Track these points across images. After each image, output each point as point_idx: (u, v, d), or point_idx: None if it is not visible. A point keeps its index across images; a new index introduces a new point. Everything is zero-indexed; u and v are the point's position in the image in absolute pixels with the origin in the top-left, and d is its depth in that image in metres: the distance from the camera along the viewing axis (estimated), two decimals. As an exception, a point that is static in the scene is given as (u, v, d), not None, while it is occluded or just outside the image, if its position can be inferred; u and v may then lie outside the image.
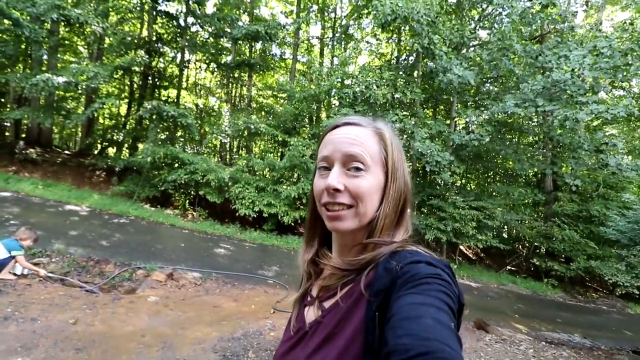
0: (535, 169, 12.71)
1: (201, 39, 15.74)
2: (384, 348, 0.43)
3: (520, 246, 14.57)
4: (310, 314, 0.65)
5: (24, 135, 14.34)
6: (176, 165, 11.92)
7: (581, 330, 6.56)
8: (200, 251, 7.38)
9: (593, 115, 8.22)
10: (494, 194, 12.40)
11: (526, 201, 12.60)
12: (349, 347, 0.52)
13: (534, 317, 7.04)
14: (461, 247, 12.66)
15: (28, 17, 10.79)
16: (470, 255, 14.05)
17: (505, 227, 14.67)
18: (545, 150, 12.33)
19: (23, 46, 13.09)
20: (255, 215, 10.79)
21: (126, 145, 16.27)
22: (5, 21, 10.67)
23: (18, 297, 3.66)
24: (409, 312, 0.43)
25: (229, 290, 5.32)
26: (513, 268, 12.59)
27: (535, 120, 12.10)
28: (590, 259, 10.64)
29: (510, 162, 13.00)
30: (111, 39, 14.02)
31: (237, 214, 10.86)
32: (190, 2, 12.98)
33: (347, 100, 10.92)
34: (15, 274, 4.14)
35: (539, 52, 9.28)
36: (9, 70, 13.00)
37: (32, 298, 3.71)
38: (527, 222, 12.08)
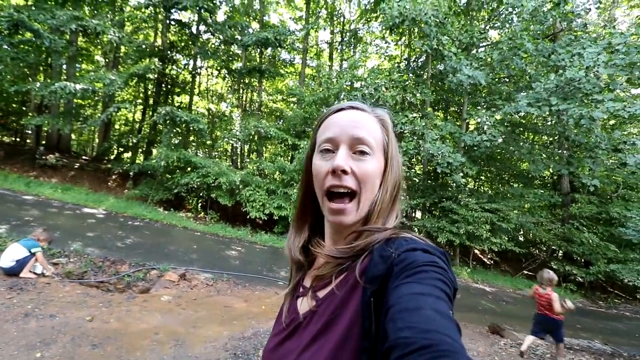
0: (551, 170, 12.38)
1: (212, 46, 16.06)
2: (384, 342, 0.42)
3: (537, 250, 14.19)
4: (304, 304, 0.63)
5: (44, 142, 14.88)
6: (189, 169, 12.13)
7: (602, 336, 6.35)
8: (212, 253, 7.47)
9: (609, 113, 8.01)
10: (508, 195, 12.11)
11: (542, 203, 12.28)
12: (347, 335, 0.51)
13: (551, 321, 6.83)
14: (476, 251, 12.41)
15: (48, 29, 11.22)
16: (485, 260, 13.76)
17: (521, 230, 14.33)
18: (561, 151, 12.03)
19: (44, 56, 13.64)
20: (265, 218, 10.86)
21: (141, 150, 16.66)
22: (27, 33, 11.12)
23: (38, 295, 3.79)
24: (408, 303, 0.42)
25: (240, 291, 5.36)
26: (530, 272, 12.26)
27: (550, 119, 11.84)
28: (610, 262, 10.27)
29: (525, 164, 12.71)
30: (126, 47, 14.47)
31: (247, 217, 10.96)
32: (202, 11, 13.26)
33: (357, 102, 10.91)
34: (35, 273, 4.28)
35: (551, 51, 9.12)
36: (31, 79, 13.52)
37: (51, 296, 3.83)
38: (543, 224, 11.77)
